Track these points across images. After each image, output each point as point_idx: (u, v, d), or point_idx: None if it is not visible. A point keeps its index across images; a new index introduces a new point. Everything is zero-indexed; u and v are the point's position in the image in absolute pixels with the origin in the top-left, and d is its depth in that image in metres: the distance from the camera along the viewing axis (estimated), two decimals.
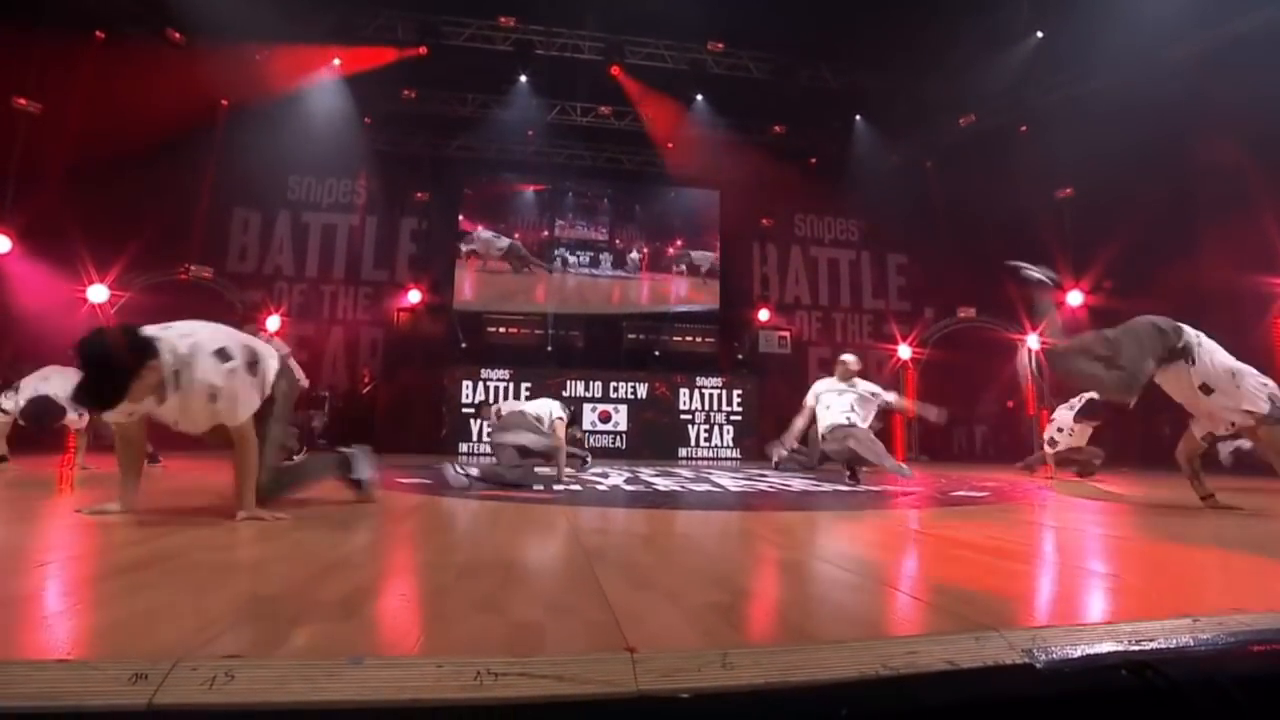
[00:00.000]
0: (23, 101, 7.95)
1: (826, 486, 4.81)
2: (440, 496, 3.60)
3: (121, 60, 9.19)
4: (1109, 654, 0.99)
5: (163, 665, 0.87)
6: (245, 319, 8.53)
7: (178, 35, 9.93)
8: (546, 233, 13.82)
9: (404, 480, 4.55)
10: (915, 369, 11.78)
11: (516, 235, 13.38)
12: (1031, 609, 1.38)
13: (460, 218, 13.36)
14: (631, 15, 10.91)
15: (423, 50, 10.93)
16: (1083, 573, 1.81)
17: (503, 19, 11.00)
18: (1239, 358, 3.34)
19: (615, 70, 11.73)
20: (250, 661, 0.90)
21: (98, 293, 8.47)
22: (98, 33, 9.21)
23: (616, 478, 5.38)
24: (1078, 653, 0.99)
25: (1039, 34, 9.98)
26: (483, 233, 13.36)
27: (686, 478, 5.66)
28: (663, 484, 4.86)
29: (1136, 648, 1.01)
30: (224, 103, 11.14)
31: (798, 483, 5.17)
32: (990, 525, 2.86)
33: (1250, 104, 8.01)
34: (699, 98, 12.41)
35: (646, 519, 2.95)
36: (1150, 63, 9.00)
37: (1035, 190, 10.92)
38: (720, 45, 11.63)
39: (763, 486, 4.79)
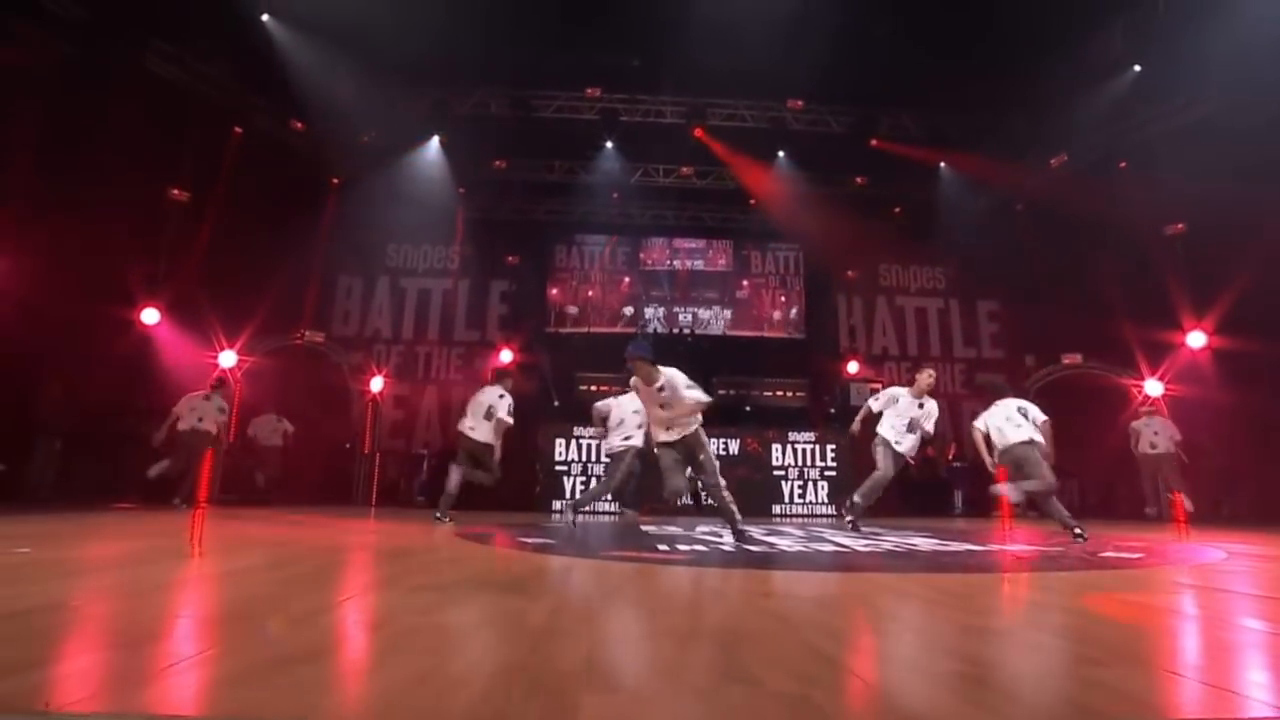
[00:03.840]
0: (176, 192, 8.88)
1: (954, 546, 4.56)
2: (575, 557, 3.62)
3: (253, 150, 10.18)
4: None
5: None
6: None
7: (300, 125, 10.93)
8: (632, 291, 14.13)
9: (527, 540, 4.60)
10: None
11: (594, 306, 13.67)
12: None
13: (548, 280, 13.89)
14: (711, 78, 11.29)
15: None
16: None
17: (589, 90, 11.58)
18: None
19: (698, 132, 12.10)
20: None
21: (227, 358, 9.17)
22: (236, 129, 10.23)
23: (729, 536, 5.27)
24: None
25: (1136, 67, 9.66)
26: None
27: (801, 536, 5.49)
28: (784, 544, 4.73)
29: None
30: (334, 180, 12.10)
31: (922, 542, 4.93)
32: (1173, 591, 2.63)
33: None
34: (780, 154, 12.58)
35: (800, 582, 2.86)
36: (1267, 83, 8.51)
37: (1141, 227, 10.39)
38: (800, 103, 11.84)
39: (888, 545, 4.59)
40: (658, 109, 12.00)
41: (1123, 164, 10.59)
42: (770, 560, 3.64)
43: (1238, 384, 9.24)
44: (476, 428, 6.35)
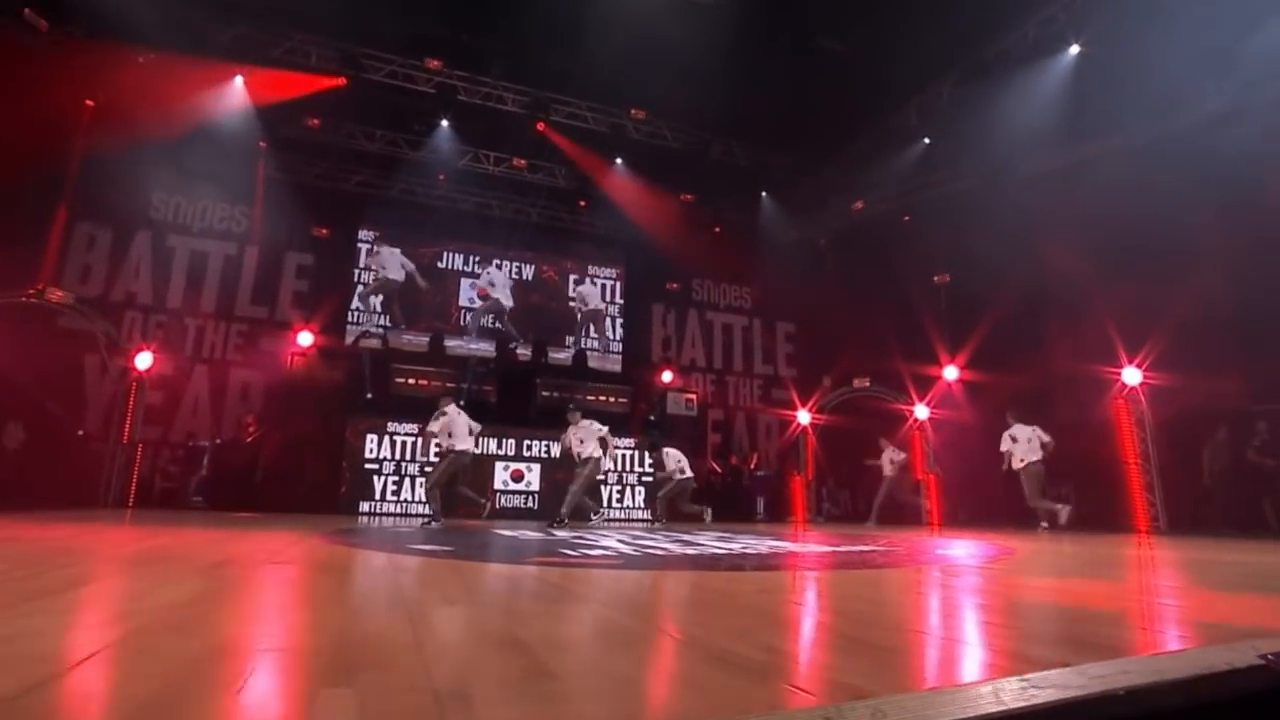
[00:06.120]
0: None
1: (811, 547, 4.88)
2: (512, 565, 3.20)
3: None
4: None
5: None
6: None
7: (41, 21, 8.62)
8: (451, 282, 13.28)
9: (420, 546, 4.00)
10: (814, 433, 12.47)
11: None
12: None
13: (358, 260, 12.52)
14: (558, 74, 11.09)
15: (341, 81, 10.29)
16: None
17: (430, 61, 10.67)
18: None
19: (540, 126, 11.75)
20: None
21: None
22: None
23: (611, 540, 5.10)
24: None
25: (926, 140, 11.39)
26: (385, 252, 12.63)
27: (662, 539, 5.49)
28: (666, 546, 4.67)
29: None
30: (89, 103, 9.71)
31: (777, 544, 5.19)
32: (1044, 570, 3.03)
33: (1089, 218, 9.62)
34: (618, 160, 12.71)
35: (752, 581, 2.80)
36: (1011, 172, 10.57)
37: (916, 274, 12.25)
38: (642, 113, 12.04)
39: (736, 548, 4.71)
40: (499, 95, 11.45)
41: (907, 218, 12.40)
42: (684, 562, 3.56)
43: (977, 410, 11.25)
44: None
